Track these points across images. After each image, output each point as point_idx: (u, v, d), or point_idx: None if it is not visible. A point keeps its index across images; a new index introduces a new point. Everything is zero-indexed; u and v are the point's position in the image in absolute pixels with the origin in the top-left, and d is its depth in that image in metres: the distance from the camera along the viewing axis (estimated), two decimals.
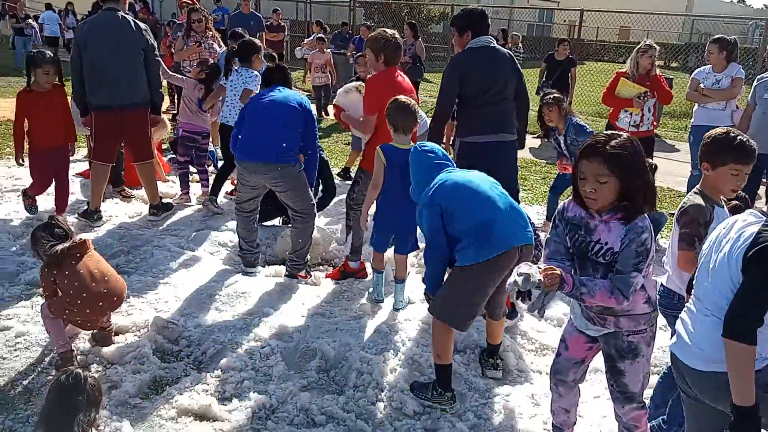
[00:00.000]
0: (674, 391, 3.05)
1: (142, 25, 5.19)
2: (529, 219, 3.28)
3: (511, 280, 2.30)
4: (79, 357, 3.40)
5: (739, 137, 2.74)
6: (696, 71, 6.77)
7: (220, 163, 6.85)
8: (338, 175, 7.11)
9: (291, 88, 4.60)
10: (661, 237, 6.03)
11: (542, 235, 3.98)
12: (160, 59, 5.41)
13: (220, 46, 7.72)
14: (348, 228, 4.76)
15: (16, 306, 3.89)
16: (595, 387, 3.50)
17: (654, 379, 3.20)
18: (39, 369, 3.32)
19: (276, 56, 6.85)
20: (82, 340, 3.58)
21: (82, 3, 18.82)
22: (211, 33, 7.67)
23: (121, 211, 5.67)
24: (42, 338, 3.52)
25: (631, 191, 2.23)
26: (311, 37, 15.12)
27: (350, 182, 6.48)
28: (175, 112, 8.10)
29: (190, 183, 6.24)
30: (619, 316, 2.43)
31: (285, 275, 4.59)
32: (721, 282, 2.06)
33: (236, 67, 5.69)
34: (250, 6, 11.61)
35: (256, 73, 5.62)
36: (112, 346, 3.49)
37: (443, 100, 4.62)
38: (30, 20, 16.96)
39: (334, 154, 8.68)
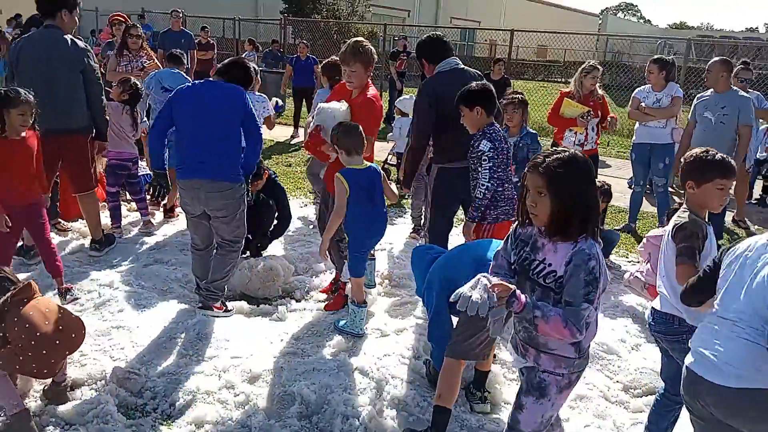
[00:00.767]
0: (670, 417, 3.01)
1: (81, 44, 4.77)
2: None
3: (466, 291, 2.11)
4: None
5: (718, 154, 2.80)
6: (636, 90, 6.96)
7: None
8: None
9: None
10: (616, 255, 6.12)
11: None
12: (101, 83, 4.99)
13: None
14: (339, 257, 4.51)
15: None
16: (583, 416, 3.44)
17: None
18: None
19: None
20: (33, 398, 3.21)
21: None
22: (145, 51, 7.29)
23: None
24: None
25: (565, 210, 2.14)
26: (243, 55, 14.81)
27: None
28: None
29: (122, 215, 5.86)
30: (542, 351, 2.33)
31: (198, 307, 4.24)
32: (759, 302, 2.05)
33: None
34: (180, 23, 11.16)
35: (258, 95, 6.41)
36: (69, 404, 3.15)
37: (420, 128, 4.41)
38: None
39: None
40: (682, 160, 2.87)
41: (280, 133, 11.61)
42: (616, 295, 5.13)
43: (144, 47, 7.29)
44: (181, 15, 11.16)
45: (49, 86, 4.63)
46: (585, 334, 2.17)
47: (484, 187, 3.94)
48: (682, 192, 6.81)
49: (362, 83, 4.25)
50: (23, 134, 4.03)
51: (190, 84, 4.21)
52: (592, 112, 6.71)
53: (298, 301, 4.71)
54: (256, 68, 5.51)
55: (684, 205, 2.86)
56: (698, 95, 6.38)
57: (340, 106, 4.20)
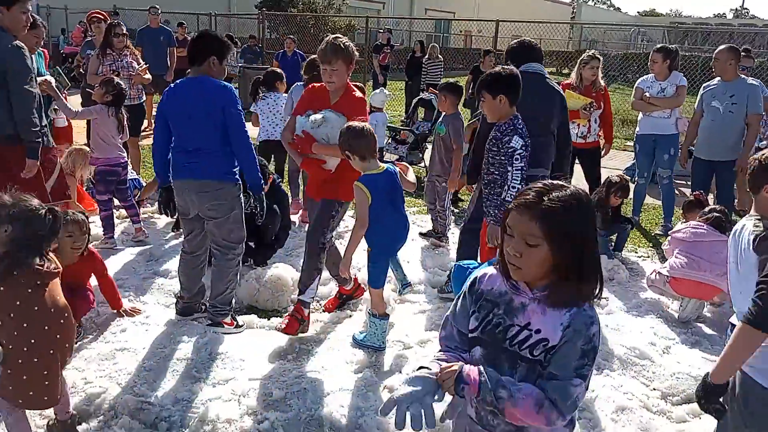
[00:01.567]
0: None
1: (13, 42, 3.97)
2: None
3: (398, 396, 1.64)
4: None
5: None
6: (639, 80, 6.80)
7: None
8: None
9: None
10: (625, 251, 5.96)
11: None
12: (32, 90, 4.08)
13: (138, 64, 7.00)
14: (314, 272, 4.00)
15: None
16: (627, 429, 3.25)
17: None
18: None
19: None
20: None
21: None
22: (129, 50, 6.92)
23: None
24: None
25: (570, 266, 1.63)
26: None
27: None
28: None
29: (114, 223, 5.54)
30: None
31: (207, 324, 4.01)
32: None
33: (263, 93, 6.56)
34: (158, 20, 10.74)
35: (283, 95, 6.57)
36: None
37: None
38: None
39: None
40: (752, 162, 2.63)
41: None
42: (636, 293, 4.97)
43: (128, 46, 6.93)
44: (159, 11, 10.74)
45: None
46: (568, 418, 1.67)
47: (515, 189, 3.69)
48: (686, 184, 6.71)
49: (344, 82, 3.83)
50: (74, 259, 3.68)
51: (173, 85, 3.93)
52: (594, 104, 6.56)
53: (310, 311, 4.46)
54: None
55: (753, 212, 2.62)
56: (704, 84, 6.24)
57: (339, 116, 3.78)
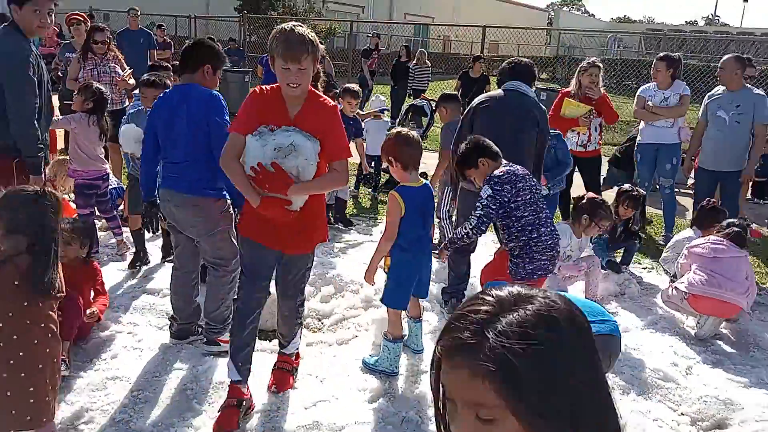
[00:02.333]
0: None
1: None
2: None
3: None
4: None
5: None
6: (641, 89, 6.66)
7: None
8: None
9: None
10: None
11: None
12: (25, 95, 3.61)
13: (123, 69, 6.67)
14: (296, 326, 3.50)
15: None
16: None
17: None
18: None
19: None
20: None
21: None
22: (113, 54, 6.58)
23: None
24: None
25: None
26: None
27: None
28: None
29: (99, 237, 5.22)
30: None
31: (203, 343, 3.76)
32: None
33: None
34: (138, 22, 10.38)
35: None
36: None
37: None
38: None
39: None
40: None
41: None
42: (649, 308, 4.79)
43: (112, 49, 6.58)
44: (138, 13, 10.38)
45: None
46: None
47: (464, 233, 3.77)
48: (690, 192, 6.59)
49: (308, 86, 2.88)
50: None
51: (161, 95, 3.68)
52: (594, 111, 6.40)
53: (313, 332, 4.20)
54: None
55: None
56: (709, 94, 6.11)
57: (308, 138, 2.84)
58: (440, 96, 6.20)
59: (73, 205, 5.32)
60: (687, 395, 3.61)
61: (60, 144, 7.25)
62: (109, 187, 5.28)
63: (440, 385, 0.98)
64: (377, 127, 7.26)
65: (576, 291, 4.81)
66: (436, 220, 5.80)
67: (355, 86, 6.83)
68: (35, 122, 3.62)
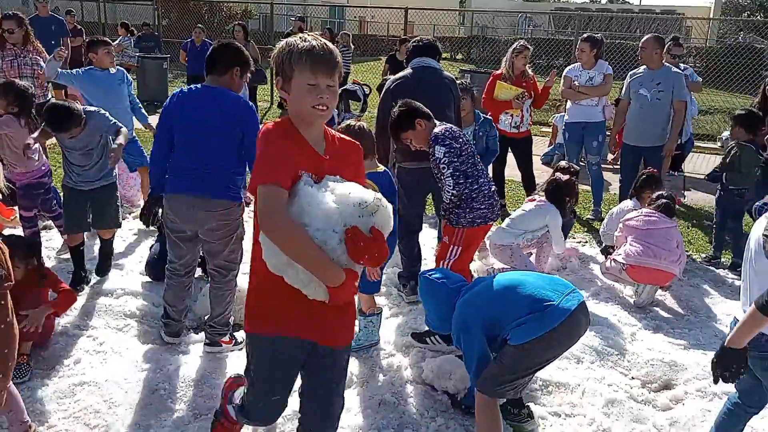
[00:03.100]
0: (742, 425, 2.88)
1: None
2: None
3: None
4: None
5: None
6: (567, 69, 6.95)
7: None
8: None
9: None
10: None
11: None
12: None
13: (44, 61, 6.33)
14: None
15: None
16: (621, 422, 3.28)
17: None
18: None
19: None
20: None
21: None
22: (33, 46, 6.24)
23: None
24: None
25: None
26: (117, 41, 13.53)
27: None
28: None
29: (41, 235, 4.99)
30: None
31: (205, 344, 3.77)
32: None
33: None
34: (48, 9, 9.84)
35: None
36: None
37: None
38: None
39: None
40: None
41: None
42: (590, 280, 5.08)
43: (31, 41, 6.23)
44: None
45: None
46: None
47: (450, 194, 3.82)
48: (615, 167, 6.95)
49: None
50: None
51: (185, 90, 3.56)
52: (526, 93, 6.64)
53: None
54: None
55: None
56: (631, 72, 6.45)
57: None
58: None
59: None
60: (635, 360, 3.89)
61: None
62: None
63: None
64: None
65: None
66: None
67: None
68: None
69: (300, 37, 2.08)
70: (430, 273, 3.22)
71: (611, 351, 3.95)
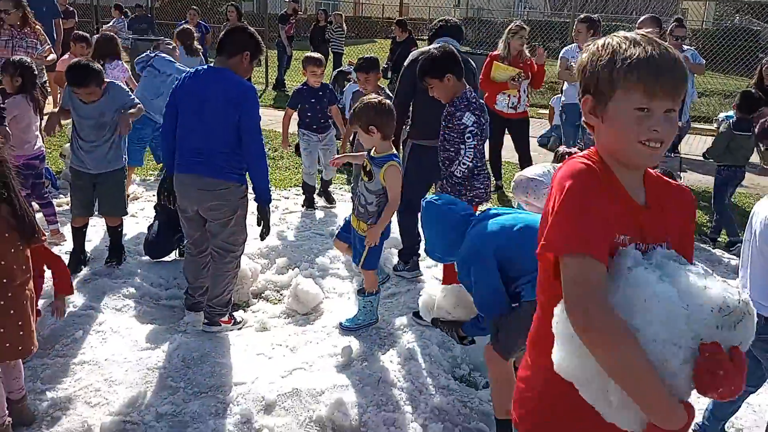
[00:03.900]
0: (736, 404, 2.91)
1: None
2: None
3: None
4: None
5: None
6: (564, 50, 6.95)
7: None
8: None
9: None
10: None
11: None
12: None
13: (42, 45, 6.29)
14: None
15: None
16: None
17: None
18: None
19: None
20: None
21: None
22: (29, 28, 6.18)
23: None
24: None
25: None
26: (111, 23, 13.43)
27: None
28: None
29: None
30: None
31: (204, 323, 3.79)
32: None
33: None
34: None
35: None
36: None
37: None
38: None
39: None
40: None
41: None
42: None
43: (30, 22, 6.17)
44: None
45: None
46: None
47: (465, 166, 3.71)
48: None
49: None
50: None
51: (192, 71, 3.58)
52: (523, 74, 6.62)
53: (273, 303, 4.25)
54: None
55: None
56: None
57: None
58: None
59: None
60: None
61: None
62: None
63: None
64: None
65: None
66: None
67: (318, 54, 6.23)
68: None
69: (625, 38, 1.41)
70: (435, 199, 3.00)
71: None
